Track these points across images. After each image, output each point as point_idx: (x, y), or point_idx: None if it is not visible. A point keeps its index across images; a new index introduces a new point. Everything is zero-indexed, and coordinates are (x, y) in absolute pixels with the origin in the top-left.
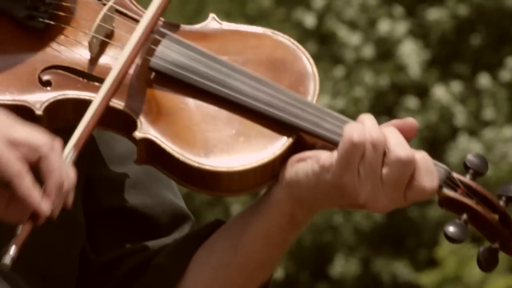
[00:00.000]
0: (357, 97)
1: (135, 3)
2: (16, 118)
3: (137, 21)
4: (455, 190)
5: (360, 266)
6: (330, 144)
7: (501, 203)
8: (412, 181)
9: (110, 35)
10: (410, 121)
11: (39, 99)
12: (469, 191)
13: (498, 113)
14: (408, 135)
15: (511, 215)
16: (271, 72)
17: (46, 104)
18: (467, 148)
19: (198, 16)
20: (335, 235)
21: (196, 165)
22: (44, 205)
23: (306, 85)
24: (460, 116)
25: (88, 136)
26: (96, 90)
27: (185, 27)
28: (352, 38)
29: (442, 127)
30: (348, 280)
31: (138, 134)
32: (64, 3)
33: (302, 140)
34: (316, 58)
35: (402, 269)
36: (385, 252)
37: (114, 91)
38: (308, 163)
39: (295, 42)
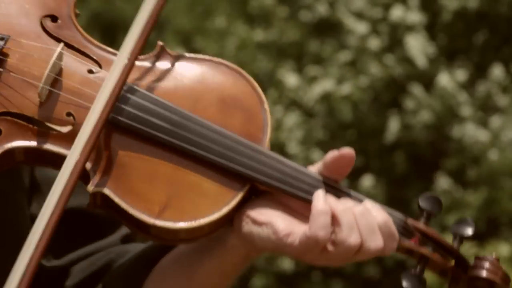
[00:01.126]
0: (362, 85)
1: (95, 43)
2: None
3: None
4: (411, 237)
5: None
6: (282, 193)
7: (455, 243)
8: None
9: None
10: (347, 153)
11: None
12: (424, 238)
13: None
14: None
15: (466, 256)
16: (222, 112)
17: None
18: (474, 135)
19: (202, 17)
20: None
21: (152, 222)
22: None
23: (258, 123)
24: (467, 104)
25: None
26: (46, 137)
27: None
28: (359, 27)
29: (448, 115)
30: (361, 275)
31: (90, 187)
32: (13, 49)
33: (255, 187)
34: (321, 43)
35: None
36: None
37: (88, 153)
38: (264, 231)
39: (247, 76)
